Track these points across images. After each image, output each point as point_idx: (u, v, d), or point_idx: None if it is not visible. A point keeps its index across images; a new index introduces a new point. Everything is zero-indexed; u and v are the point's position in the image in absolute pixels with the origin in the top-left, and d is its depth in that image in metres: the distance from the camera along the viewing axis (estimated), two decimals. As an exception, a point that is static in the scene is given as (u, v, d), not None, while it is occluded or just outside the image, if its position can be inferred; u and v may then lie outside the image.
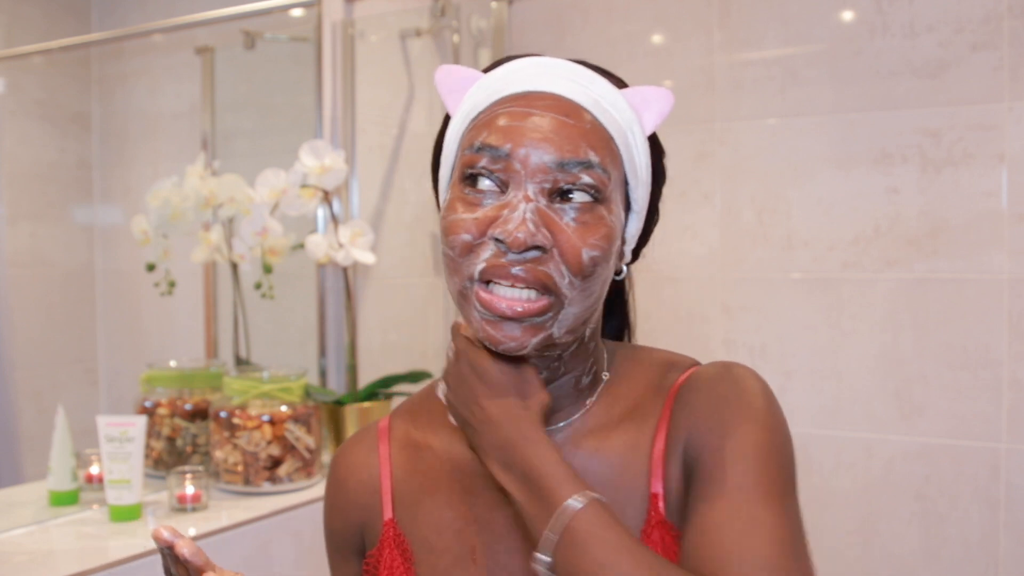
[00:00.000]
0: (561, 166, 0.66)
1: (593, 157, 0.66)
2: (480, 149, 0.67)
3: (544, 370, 0.73)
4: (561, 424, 0.75)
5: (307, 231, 1.73)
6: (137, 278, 1.75)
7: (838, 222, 1.72)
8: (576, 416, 0.75)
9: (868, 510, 1.71)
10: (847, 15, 1.70)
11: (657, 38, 1.87)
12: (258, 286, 1.67)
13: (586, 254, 0.66)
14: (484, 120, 0.69)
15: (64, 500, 1.42)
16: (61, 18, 1.76)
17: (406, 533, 0.77)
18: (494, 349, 0.68)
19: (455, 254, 0.67)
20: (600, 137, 0.68)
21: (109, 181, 1.84)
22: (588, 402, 0.76)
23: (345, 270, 1.78)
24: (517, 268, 0.65)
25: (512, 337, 0.66)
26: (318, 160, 1.63)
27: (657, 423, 0.72)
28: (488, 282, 0.66)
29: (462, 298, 0.68)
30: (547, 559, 0.62)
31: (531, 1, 1.99)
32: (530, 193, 0.66)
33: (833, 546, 1.73)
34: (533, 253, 0.65)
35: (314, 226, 1.80)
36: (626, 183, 0.71)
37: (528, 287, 0.66)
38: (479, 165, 0.67)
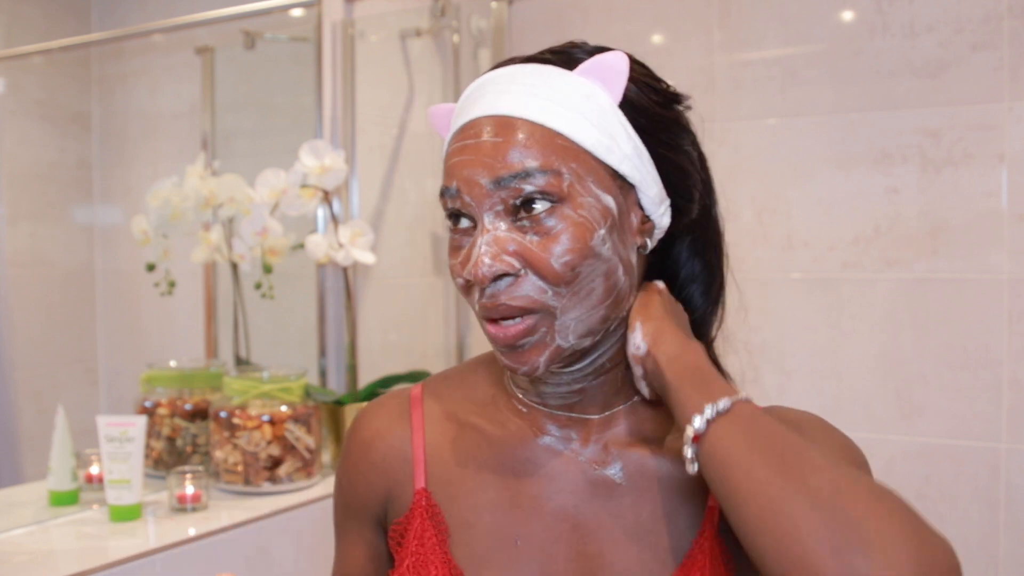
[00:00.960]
0: (498, 184, 0.67)
1: (530, 164, 0.67)
2: (442, 195, 0.71)
3: (589, 368, 0.74)
4: (600, 415, 0.76)
5: (307, 231, 1.73)
6: (137, 278, 1.75)
7: (838, 222, 1.72)
8: (618, 409, 0.76)
9: (868, 510, 1.71)
10: (847, 15, 1.70)
11: (657, 38, 1.87)
12: (258, 286, 1.67)
13: (556, 262, 0.66)
14: (444, 165, 0.73)
15: (64, 500, 1.42)
16: (61, 18, 1.76)
17: (441, 506, 0.76)
18: (516, 373, 0.71)
19: (463, 296, 0.72)
20: (539, 140, 0.67)
21: (109, 181, 1.84)
22: (633, 399, 0.77)
23: (345, 270, 1.78)
24: (498, 299, 0.68)
25: (523, 361, 0.69)
26: (318, 160, 1.63)
27: None
28: (489, 319, 0.70)
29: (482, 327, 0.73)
30: (702, 426, 0.64)
31: (531, 1, 1.99)
32: (487, 223, 0.68)
33: (833, 546, 1.72)
34: (505, 280, 0.67)
35: (314, 226, 1.80)
36: (605, 165, 0.69)
37: (514, 316, 0.68)
38: (448, 208, 0.71)
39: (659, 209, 0.73)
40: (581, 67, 0.70)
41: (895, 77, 1.66)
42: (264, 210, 1.61)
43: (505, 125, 0.68)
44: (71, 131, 1.79)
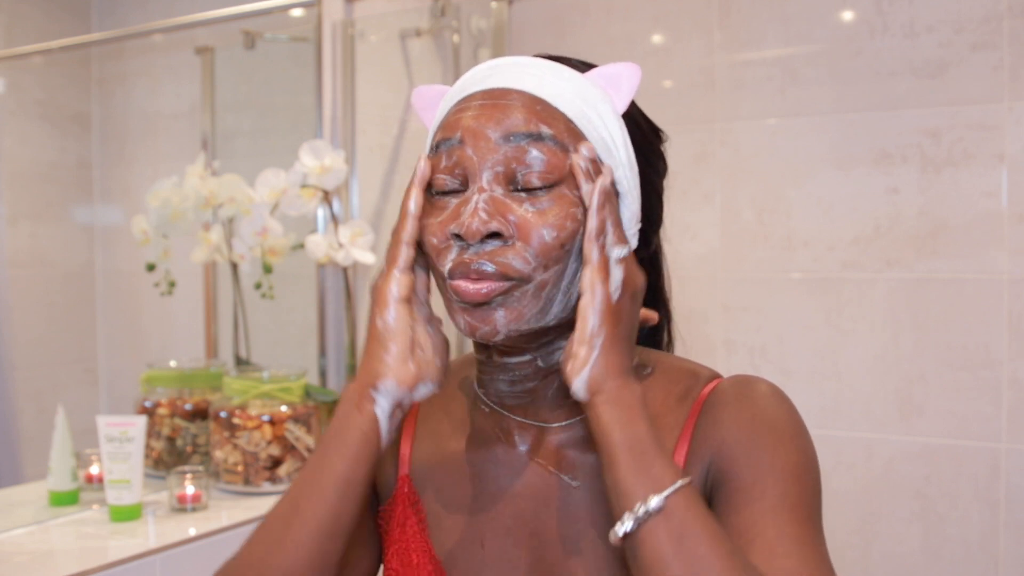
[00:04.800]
0: (508, 139, 0.66)
1: (545, 130, 0.67)
2: (437, 147, 0.70)
3: (542, 362, 0.73)
4: (564, 423, 0.75)
5: (307, 231, 1.73)
6: (137, 278, 1.75)
7: (838, 222, 1.72)
8: (575, 420, 0.75)
9: (868, 510, 1.71)
10: (847, 15, 1.70)
11: (657, 38, 1.87)
12: (258, 286, 1.68)
13: (548, 234, 0.66)
14: (441, 125, 0.72)
15: (64, 500, 1.42)
16: (61, 18, 1.76)
17: (421, 497, 0.77)
18: (471, 337, 0.68)
19: (432, 256, 0.69)
20: (554, 115, 0.68)
21: (109, 181, 1.84)
22: None
23: (345, 270, 1.78)
24: (478, 263, 0.66)
25: (486, 320, 0.67)
26: (318, 160, 1.63)
27: (680, 433, 0.72)
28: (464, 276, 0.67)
29: (442, 292, 0.71)
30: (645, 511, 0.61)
31: (531, 1, 1.99)
32: (484, 183, 0.67)
33: (833, 546, 1.71)
34: (493, 242, 0.66)
35: (314, 226, 1.80)
36: (604, 165, 0.70)
37: (492, 280, 0.66)
38: (440, 167, 0.69)
39: (632, 228, 0.73)
40: (594, 72, 0.71)
41: (895, 77, 1.66)
42: (264, 210, 1.61)
43: (520, 95, 0.68)
44: (71, 131, 1.79)
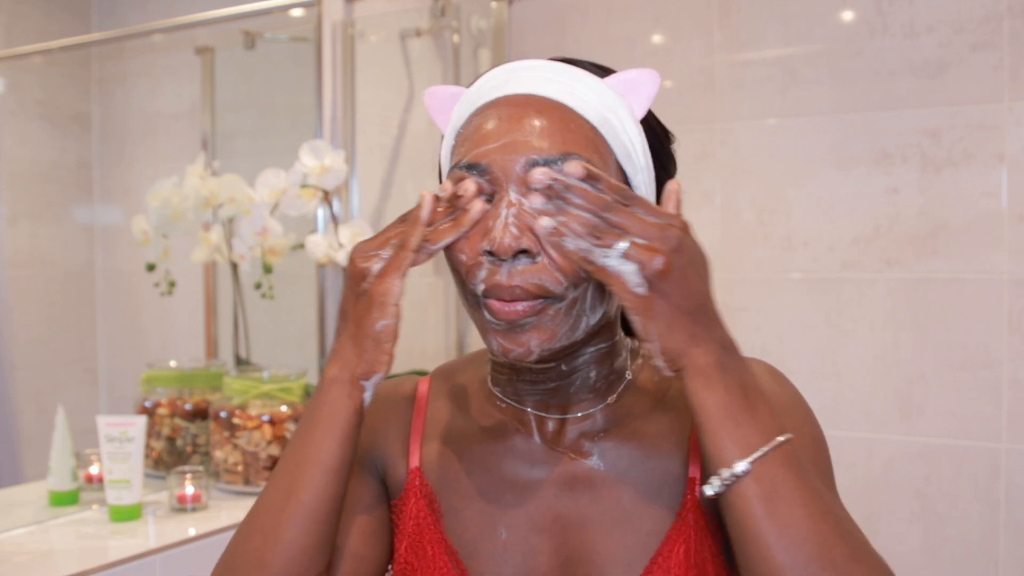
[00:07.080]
0: (536, 165, 0.66)
1: (572, 149, 0.67)
2: (465, 168, 0.69)
3: (565, 366, 0.74)
4: (579, 414, 0.75)
5: (307, 231, 1.73)
6: (137, 278, 1.75)
7: (838, 222, 1.72)
8: (596, 409, 0.76)
9: (868, 510, 1.71)
10: (847, 15, 1.70)
11: (657, 38, 1.87)
12: (258, 286, 1.68)
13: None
14: (464, 135, 0.71)
15: (64, 500, 1.42)
16: (61, 18, 1.76)
17: (432, 487, 0.78)
18: (504, 359, 0.69)
19: (459, 272, 0.69)
20: (579, 128, 0.68)
21: (109, 181, 1.84)
22: (610, 399, 0.76)
23: (345, 270, 1.78)
24: (513, 279, 0.65)
25: (519, 343, 0.67)
26: (318, 160, 1.63)
27: None
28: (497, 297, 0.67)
29: (472, 310, 0.70)
30: (746, 467, 0.61)
31: (531, 1, 1.99)
32: (512, 197, 0.66)
33: (833, 546, 1.72)
34: (524, 260, 0.66)
35: (314, 226, 1.80)
36: (623, 172, 0.71)
37: (525, 300, 0.66)
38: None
39: None
40: (612, 78, 0.71)
41: (895, 77, 1.66)
42: (264, 210, 1.61)
43: (546, 107, 0.68)
44: (71, 131, 1.79)
